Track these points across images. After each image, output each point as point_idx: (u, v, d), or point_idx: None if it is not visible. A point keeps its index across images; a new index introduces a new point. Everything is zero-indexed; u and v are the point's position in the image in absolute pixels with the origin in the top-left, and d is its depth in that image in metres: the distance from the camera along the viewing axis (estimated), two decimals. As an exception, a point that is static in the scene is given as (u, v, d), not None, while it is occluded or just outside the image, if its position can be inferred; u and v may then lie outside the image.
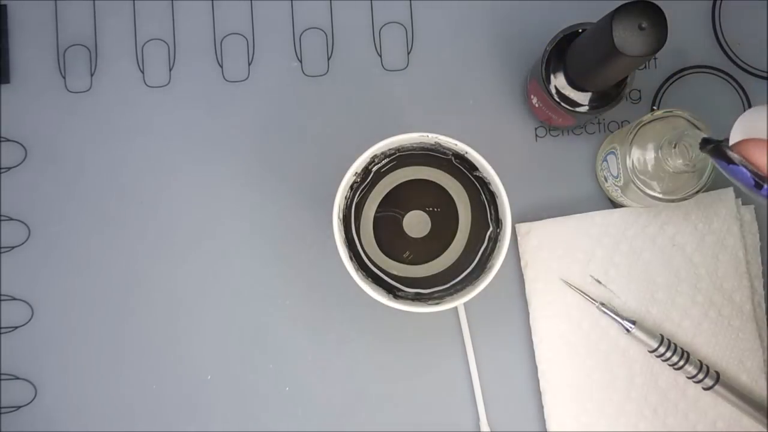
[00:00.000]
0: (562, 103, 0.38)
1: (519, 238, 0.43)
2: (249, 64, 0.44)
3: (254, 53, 0.44)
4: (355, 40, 0.44)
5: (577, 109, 0.38)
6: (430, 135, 0.36)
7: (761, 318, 0.42)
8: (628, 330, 0.41)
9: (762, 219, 0.43)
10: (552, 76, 0.38)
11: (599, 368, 0.42)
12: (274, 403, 0.43)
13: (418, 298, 0.39)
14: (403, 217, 0.41)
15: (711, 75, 0.44)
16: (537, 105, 0.41)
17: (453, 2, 0.44)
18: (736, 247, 0.42)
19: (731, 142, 0.24)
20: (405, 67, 0.44)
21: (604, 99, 0.38)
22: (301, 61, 0.44)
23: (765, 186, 0.23)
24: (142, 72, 0.44)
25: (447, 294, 0.39)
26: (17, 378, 0.43)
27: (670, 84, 0.44)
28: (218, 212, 0.44)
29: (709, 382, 0.40)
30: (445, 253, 0.41)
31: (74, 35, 0.44)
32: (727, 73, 0.44)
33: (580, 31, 0.37)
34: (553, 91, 0.38)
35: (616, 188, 0.40)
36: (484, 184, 0.39)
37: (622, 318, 0.41)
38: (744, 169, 0.23)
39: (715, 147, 0.24)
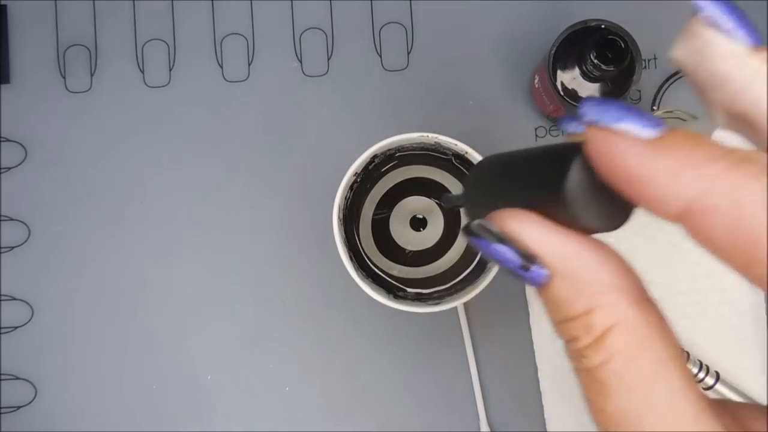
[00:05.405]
0: (559, 89, 0.37)
1: (519, 238, 0.43)
2: (249, 64, 0.44)
3: (254, 53, 0.44)
4: (355, 40, 0.44)
5: (575, 103, 0.38)
6: (430, 135, 0.36)
7: (760, 317, 0.42)
8: (628, 330, 0.41)
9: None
10: (560, 71, 0.38)
11: (599, 368, 0.42)
12: (274, 403, 0.43)
13: (418, 299, 0.39)
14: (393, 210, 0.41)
15: (710, 75, 0.44)
16: (537, 86, 0.41)
17: (453, 2, 0.44)
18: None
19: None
20: (405, 67, 0.44)
21: (605, 98, 0.38)
22: (301, 61, 0.44)
23: (534, 266, 0.17)
24: (142, 72, 0.44)
25: (447, 294, 0.39)
26: (17, 378, 0.43)
27: (670, 84, 0.44)
28: (218, 212, 0.44)
29: (709, 381, 0.40)
30: (446, 254, 0.41)
31: (74, 35, 0.44)
32: (726, 73, 0.44)
33: (603, 26, 0.37)
34: (558, 83, 0.38)
35: (616, 188, 0.40)
36: (484, 184, 0.39)
37: (622, 318, 0.41)
38: (506, 248, 0.17)
39: (466, 227, 0.18)
